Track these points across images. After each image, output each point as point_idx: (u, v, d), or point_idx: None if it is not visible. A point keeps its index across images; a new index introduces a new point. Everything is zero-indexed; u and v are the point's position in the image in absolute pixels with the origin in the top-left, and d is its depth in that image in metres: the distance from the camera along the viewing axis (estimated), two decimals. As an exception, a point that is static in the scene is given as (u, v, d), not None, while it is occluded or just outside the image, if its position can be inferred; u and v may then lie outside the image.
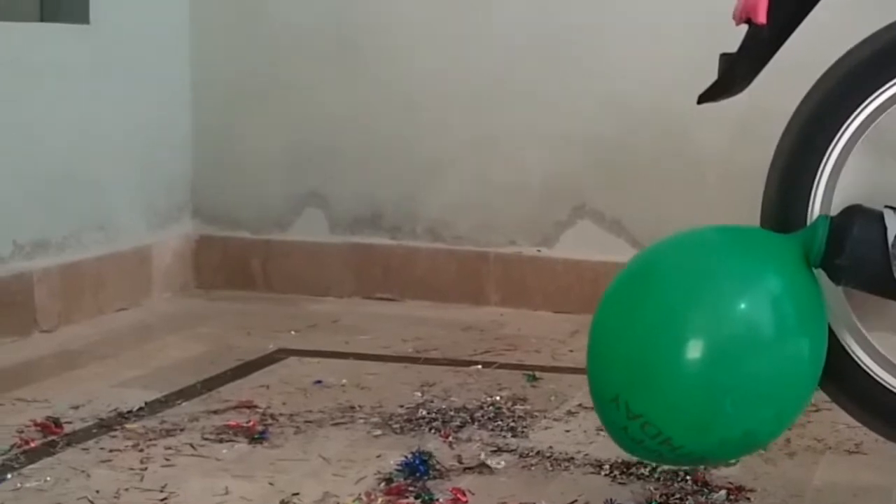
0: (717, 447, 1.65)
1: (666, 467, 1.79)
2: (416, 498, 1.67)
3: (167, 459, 1.83)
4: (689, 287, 1.65)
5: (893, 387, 1.61)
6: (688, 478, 1.77)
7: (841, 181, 1.64)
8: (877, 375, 1.61)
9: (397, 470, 1.76)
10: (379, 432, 1.96)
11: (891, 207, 1.58)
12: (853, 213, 1.58)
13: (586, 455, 1.84)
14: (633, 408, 1.63)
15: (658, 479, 1.77)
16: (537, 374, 2.30)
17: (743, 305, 1.64)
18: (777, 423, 1.66)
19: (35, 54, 2.63)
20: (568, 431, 1.97)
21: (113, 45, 2.83)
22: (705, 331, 1.63)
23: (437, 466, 1.78)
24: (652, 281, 1.69)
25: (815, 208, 1.64)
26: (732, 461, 1.83)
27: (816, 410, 2.00)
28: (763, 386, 1.62)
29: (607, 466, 1.81)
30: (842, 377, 1.61)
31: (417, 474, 1.74)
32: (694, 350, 1.62)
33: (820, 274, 1.59)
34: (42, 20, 2.76)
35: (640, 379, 1.64)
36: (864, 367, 1.62)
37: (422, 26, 2.94)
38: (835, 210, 1.62)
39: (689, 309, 1.64)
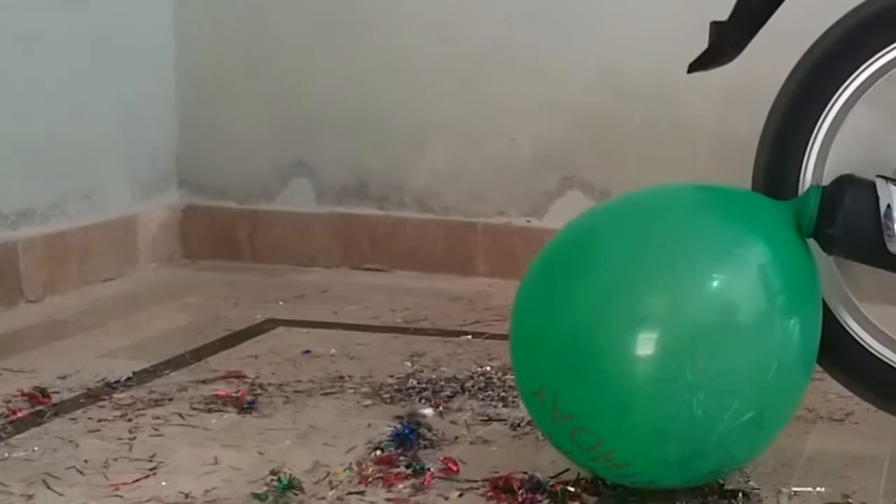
0: (677, 466, 1.33)
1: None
2: (407, 467, 1.66)
3: (156, 429, 1.82)
4: (647, 250, 1.34)
5: (888, 359, 1.61)
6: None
7: (832, 151, 1.64)
8: (871, 348, 1.62)
9: (388, 440, 1.76)
10: (369, 402, 1.96)
11: (883, 177, 1.58)
12: (845, 182, 1.58)
13: (577, 425, 1.83)
14: (563, 405, 1.29)
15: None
16: (526, 344, 2.30)
17: (721, 276, 1.34)
18: (758, 430, 1.37)
19: (19, 23, 2.60)
20: (558, 401, 1.97)
21: (97, 13, 2.80)
22: (666, 308, 1.29)
23: (428, 436, 1.78)
24: (598, 241, 1.38)
25: (807, 178, 1.63)
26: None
27: (807, 380, 2.01)
28: (743, 382, 1.31)
29: (598, 436, 1.80)
30: (836, 350, 1.61)
31: (408, 444, 1.74)
32: (649, 333, 1.27)
33: (812, 244, 1.59)
34: (25, -13, 2.73)
35: (574, 367, 1.29)
36: (858, 340, 1.62)
37: (409, -5, 2.92)
38: (826, 179, 1.62)
39: (646, 278, 1.31)
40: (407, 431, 1.76)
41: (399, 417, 1.85)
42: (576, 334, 1.31)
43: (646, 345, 1.29)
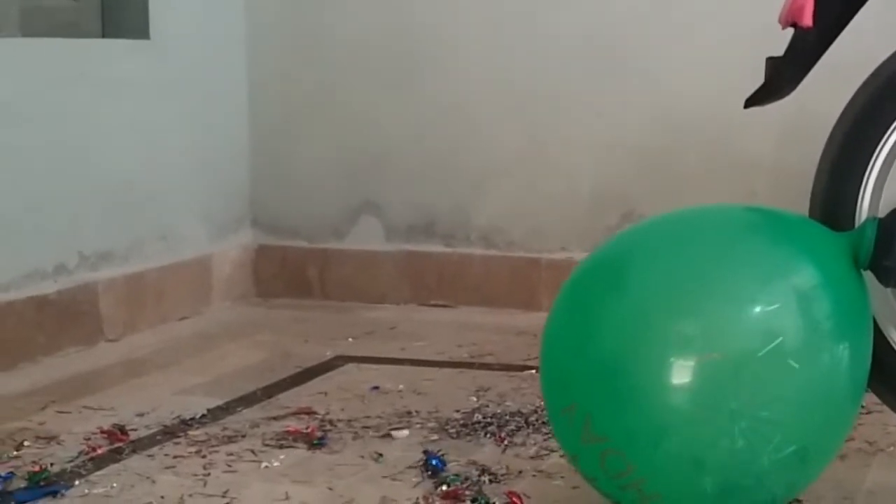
0: (712, 501, 1.23)
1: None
2: (472, 502, 1.69)
3: (229, 465, 1.87)
4: (697, 269, 1.26)
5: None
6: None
7: (889, 182, 1.65)
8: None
9: (454, 475, 1.79)
10: (436, 437, 1.99)
11: (940, 208, 1.58)
12: (902, 214, 1.58)
13: (639, 458, 1.84)
14: (595, 425, 1.20)
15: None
16: (591, 377, 2.31)
17: (769, 302, 1.27)
18: (800, 465, 1.29)
19: (98, 69, 2.70)
20: (621, 435, 1.98)
21: (172, 59, 2.89)
22: (713, 332, 1.22)
23: (492, 470, 1.81)
24: (646, 255, 1.31)
25: (863, 209, 1.64)
26: None
27: (868, 413, 2.00)
28: (788, 413, 1.24)
29: (660, 469, 1.81)
30: (890, 378, 1.61)
31: (434, 469, 1.78)
32: (695, 356, 1.19)
33: (868, 276, 1.59)
34: (104, 36, 2.84)
35: (611, 385, 1.20)
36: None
37: (473, 37, 2.97)
38: (883, 211, 1.63)
39: (693, 298, 1.23)
40: (433, 461, 1.80)
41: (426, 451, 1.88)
42: (616, 351, 1.23)
43: (690, 368, 1.21)
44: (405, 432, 1.99)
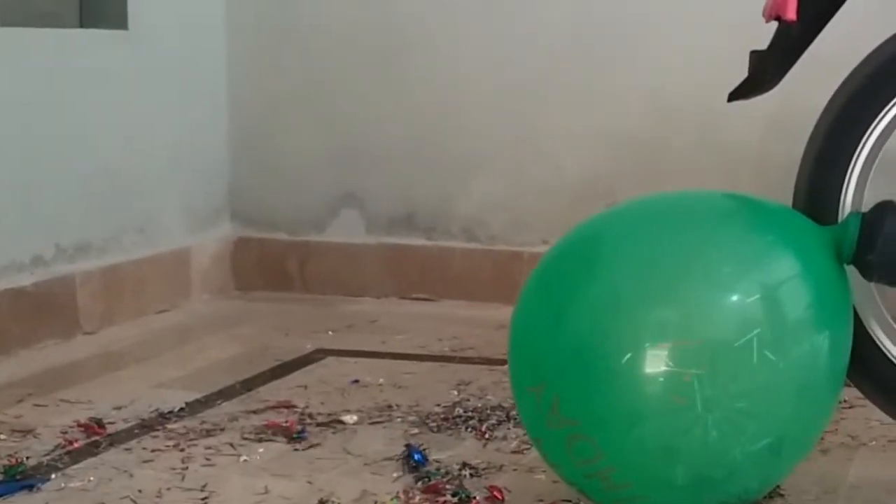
0: (683, 492, 1.20)
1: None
2: (453, 496, 1.68)
3: (207, 459, 1.86)
4: (670, 255, 1.24)
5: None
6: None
7: (872, 175, 1.65)
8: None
9: (435, 469, 1.78)
10: (416, 431, 1.98)
11: (923, 203, 1.58)
12: (885, 209, 1.58)
13: (621, 452, 1.84)
14: (563, 408, 1.16)
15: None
16: (572, 371, 2.30)
17: (747, 291, 1.25)
18: (774, 458, 1.25)
19: (75, 60, 2.67)
20: (603, 429, 1.98)
21: (151, 49, 2.87)
22: (687, 319, 1.19)
23: (473, 464, 1.80)
24: (619, 239, 1.28)
25: (847, 203, 1.64)
26: None
27: (850, 407, 2.00)
28: (762, 404, 1.21)
29: (642, 463, 1.81)
30: (872, 373, 1.61)
31: (415, 463, 1.78)
32: (672, 341, 1.16)
33: (852, 271, 1.59)
34: (81, 26, 2.81)
35: (583, 366, 1.16)
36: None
37: (456, 27, 2.96)
38: (866, 205, 1.63)
39: (673, 283, 1.20)
40: (415, 456, 1.80)
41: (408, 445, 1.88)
42: (592, 331, 1.19)
43: (667, 353, 1.18)
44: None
